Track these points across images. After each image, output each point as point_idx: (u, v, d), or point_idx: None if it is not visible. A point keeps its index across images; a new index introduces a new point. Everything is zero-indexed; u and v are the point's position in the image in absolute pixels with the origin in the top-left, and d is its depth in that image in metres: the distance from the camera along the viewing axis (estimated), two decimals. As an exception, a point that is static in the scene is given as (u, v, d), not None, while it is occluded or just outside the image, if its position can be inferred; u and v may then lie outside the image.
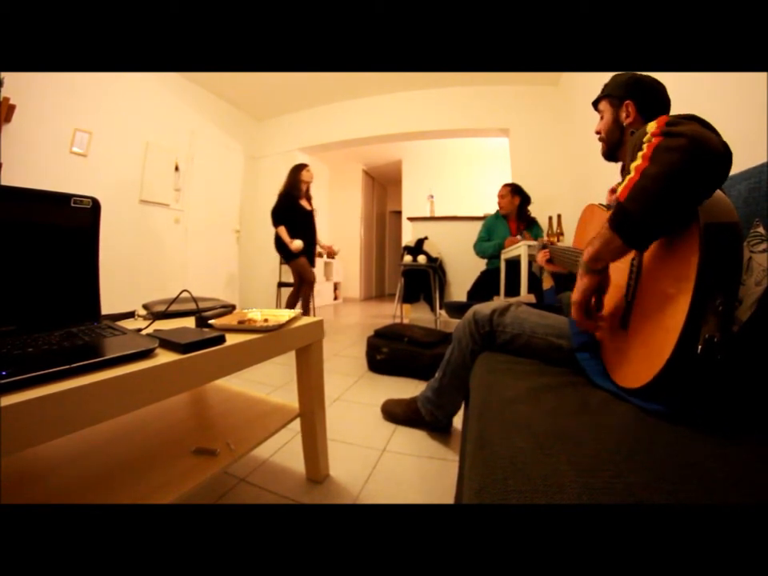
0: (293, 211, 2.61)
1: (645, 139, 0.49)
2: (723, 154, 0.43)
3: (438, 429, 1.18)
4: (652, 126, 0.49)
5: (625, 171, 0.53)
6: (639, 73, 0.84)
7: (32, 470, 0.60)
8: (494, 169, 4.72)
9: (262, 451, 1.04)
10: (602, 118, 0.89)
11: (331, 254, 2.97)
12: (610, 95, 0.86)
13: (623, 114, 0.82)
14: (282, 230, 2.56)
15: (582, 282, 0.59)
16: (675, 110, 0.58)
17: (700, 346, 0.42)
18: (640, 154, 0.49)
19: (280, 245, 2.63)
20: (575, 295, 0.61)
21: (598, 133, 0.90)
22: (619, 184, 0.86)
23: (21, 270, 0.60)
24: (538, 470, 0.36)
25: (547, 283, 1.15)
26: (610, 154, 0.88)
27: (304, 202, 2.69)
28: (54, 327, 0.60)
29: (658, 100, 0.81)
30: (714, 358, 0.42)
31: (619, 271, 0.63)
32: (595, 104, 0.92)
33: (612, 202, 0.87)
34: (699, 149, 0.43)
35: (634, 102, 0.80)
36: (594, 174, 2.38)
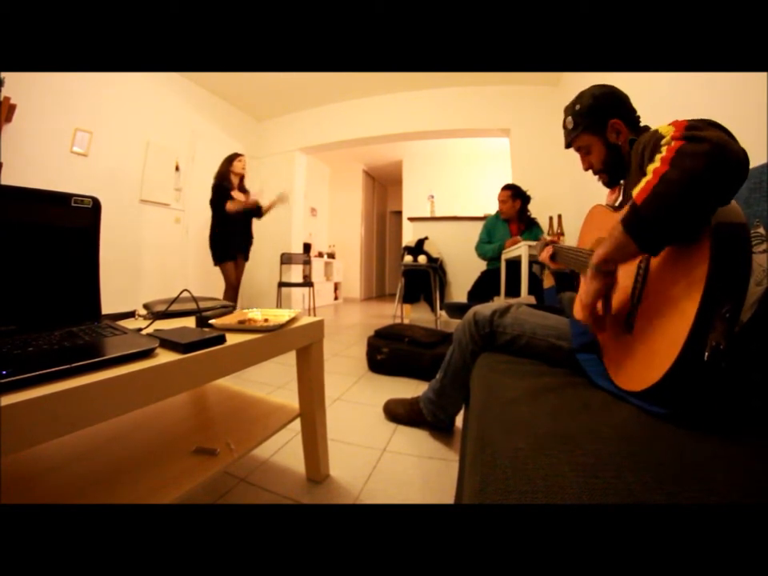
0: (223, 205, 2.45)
1: (664, 142, 0.48)
2: (744, 162, 0.42)
3: (441, 429, 1.18)
4: (669, 129, 0.48)
5: (636, 175, 0.51)
6: (585, 92, 0.83)
7: (32, 470, 0.60)
8: (494, 169, 4.72)
9: (262, 451, 1.04)
10: (587, 153, 0.86)
11: (269, 207, 2.67)
12: (587, 129, 0.83)
13: (613, 135, 0.80)
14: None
15: (592, 285, 0.56)
16: (674, 110, 0.58)
17: (707, 353, 0.41)
18: (658, 156, 0.47)
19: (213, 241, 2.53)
20: (585, 298, 0.58)
21: (589, 169, 0.87)
22: (619, 186, 0.86)
23: (21, 269, 0.61)
24: (538, 470, 0.36)
25: (548, 282, 1.14)
26: (613, 180, 0.85)
27: (237, 194, 2.49)
28: (54, 327, 0.60)
29: (627, 106, 0.81)
30: (719, 365, 0.41)
31: (625, 273, 0.62)
32: (569, 146, 0.89)
33: (612, 202, 0.86)
34: (723, 155, 0.42)
35: (619, 118, 0.79)
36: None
